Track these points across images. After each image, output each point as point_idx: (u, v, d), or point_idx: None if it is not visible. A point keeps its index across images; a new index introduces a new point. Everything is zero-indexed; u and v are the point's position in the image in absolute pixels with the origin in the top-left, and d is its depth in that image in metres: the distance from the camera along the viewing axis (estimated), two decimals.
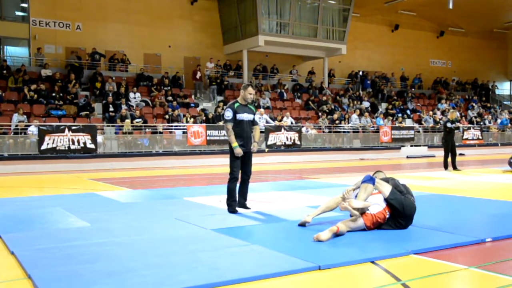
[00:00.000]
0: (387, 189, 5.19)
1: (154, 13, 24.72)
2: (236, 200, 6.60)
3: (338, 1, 26.70)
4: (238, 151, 6.41)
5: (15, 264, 4.12)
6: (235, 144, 6.41)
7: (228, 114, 6.48)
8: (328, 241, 4.65)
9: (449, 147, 13.75)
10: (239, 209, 6.62)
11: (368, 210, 5.11)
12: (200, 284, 3.42)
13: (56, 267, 3.87)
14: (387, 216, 5.13)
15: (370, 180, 5.22)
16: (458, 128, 14.77)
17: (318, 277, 3.69)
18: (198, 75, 23.77)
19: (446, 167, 13.83)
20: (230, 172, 6.54)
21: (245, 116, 6.55)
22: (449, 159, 13.86)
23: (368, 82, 29.42)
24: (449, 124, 13.80)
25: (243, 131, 6.52)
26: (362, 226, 5.07)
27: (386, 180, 5.40)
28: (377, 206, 5.11)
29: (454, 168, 13.68)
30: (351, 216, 5.09)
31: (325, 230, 4.75)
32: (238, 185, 6.70)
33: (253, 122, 6.70)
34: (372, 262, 4.04)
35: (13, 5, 23.28)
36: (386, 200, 5.14)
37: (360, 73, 30.31)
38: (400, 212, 5.12)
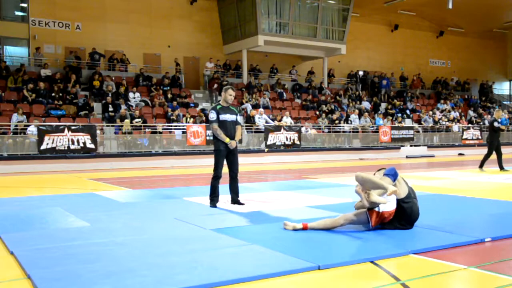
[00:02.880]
0: (403, 191, 5.10)
1: (153, 13, 24.72)
2: (218, 196, 7.01)
3: (338, 1, 26.71)
4: (233, 144, 6.90)
5: (15, 264, 4.12)
6: (227, 140, 6.88)
7: (212, 115, 6.95)
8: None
9: (494, 147, 13.35)
10: (233, 206, 6.96)
11: (377, 207, 5.00)
12: (199, 284, 3.42)
13: (56, 267, 3.86)
14: (392, 217, 5.12)
15: (393, 176, 5.08)
16: (503, 129, 14.43)
17: (318, 277, 3.69)
18: (215, 86, 23.46)
19: (482, 166, 13.38)
20: (214, 169, 6.97)
21: (227, 117, 6.98)
22: (485, 159, 13.41)
23: (383, 82, 29.30)
24: (496, 124, 13.38)
25: (226, 130, 6.94)
26: (365, 220, 5.02)
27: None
28: (389, 204, 5.00)
29: (501, 168, 13.16)
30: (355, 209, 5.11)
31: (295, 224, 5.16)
32: (228, 183, 7.13)
33: (236, 123, 7.10)
34: (372, 262, 4.04)
35: (12, 5, 23.27)
36: (398, 201, 5.06)
37: (360, 73, 30.33)
38: (407, 216, 5.07)
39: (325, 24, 26.33)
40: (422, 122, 26.55)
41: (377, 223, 5.05)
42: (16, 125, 16.23)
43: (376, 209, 5.00)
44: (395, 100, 28.70)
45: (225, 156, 6.97)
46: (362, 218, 5.06)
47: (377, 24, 31.71)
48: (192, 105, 21.84)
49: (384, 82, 29.24)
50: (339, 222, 5.11)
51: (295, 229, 5.12)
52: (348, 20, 26.97)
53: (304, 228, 5.10)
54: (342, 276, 3.73)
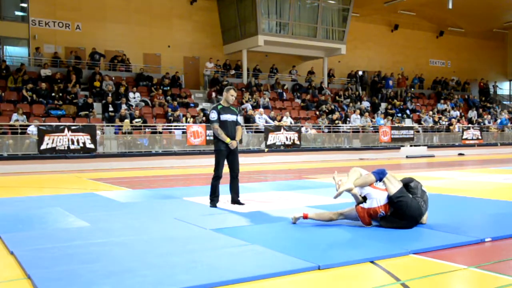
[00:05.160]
0: (394, 187, 5.14)
1: (153, 13, 24.72)
2: (218, 196, 7.02)
3: (338, 1, 26.71)
4: (234, 144, 6.91)
5: (15, 264, 4.12)
6: (228, 140, 6.88)
7: (213, 115, 6.95)
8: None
9: None
10: (233, 206, 6.99)
11: (364, 203, 5.18)
12: (199, 284, 3.42)
13: (56, 267, 3.86)
14: (381, 213, 5.14)
15: (378, 174, 5.23)
16: None
17: (318, 277, 3.69)
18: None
19: None
20: (215, 170, 6.98)
21: (228, 117, 6.99)
22: None
23: (390, 83, 29.68)
24: None
25: (227, 130, 6.95)
26: (355, 216, 5.31)
27: (408, 181, 5.39)
28: (374, 201, 5.13)
29: None
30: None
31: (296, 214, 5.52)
32: (228, 183, 7.16)
33: (236, 123, 7.11)
34: (372, 262, 4.04)
35: (12, 5, 23.26)
36: (389, 198, 5.11)
37: (360, 73, 30.33)
38: (403, 212, 5.08)
39: (325, 24, 26.32)
40: (422, 122, 26.55)
41: (367, 219, 5.18)
42: (14, 125, 16.19)
43: (362, 205, 5.21)
44: (395, 100, 28.70)
45: (226, 156, 6.98)
46: (353, 214, 5.34)
47: (377, 24, 31.70)
48: (192, 105, 21.84)
49: (391, 82, 29.49)
50: (331, 216, 5.43)
51: (296, 219, 5.48)
52: (348, 20, 26.96)
53: (305, 217, 5.43)
54: (342, 276, 3.73)
